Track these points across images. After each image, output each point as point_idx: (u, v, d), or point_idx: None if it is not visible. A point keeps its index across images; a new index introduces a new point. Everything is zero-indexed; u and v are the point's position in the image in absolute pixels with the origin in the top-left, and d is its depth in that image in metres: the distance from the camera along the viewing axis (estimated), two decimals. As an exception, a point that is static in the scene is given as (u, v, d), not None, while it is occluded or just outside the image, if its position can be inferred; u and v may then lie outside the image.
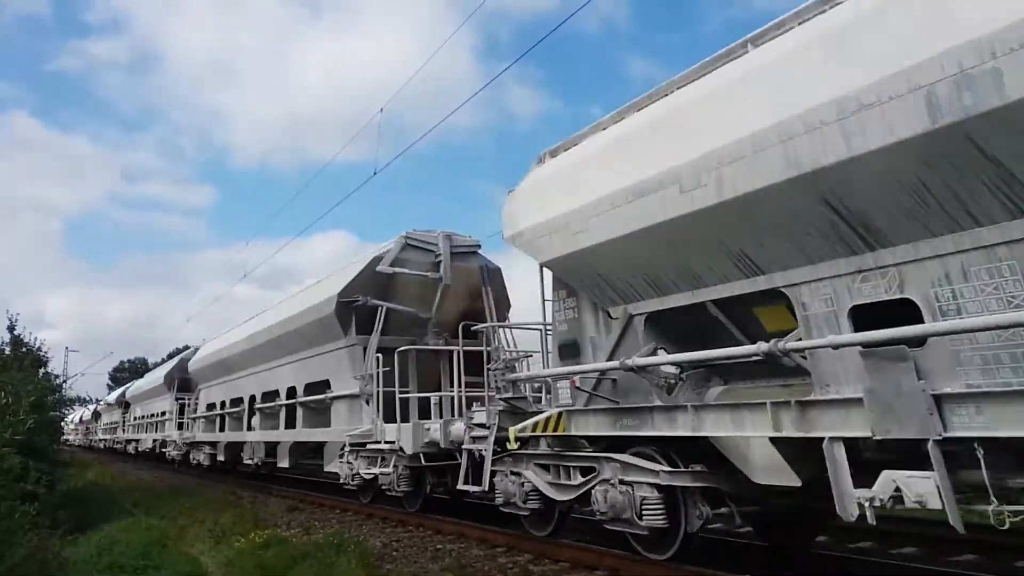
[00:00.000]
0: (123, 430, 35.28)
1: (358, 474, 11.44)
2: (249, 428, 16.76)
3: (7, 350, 17.33)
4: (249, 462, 16.63)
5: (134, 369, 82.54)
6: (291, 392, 14.22)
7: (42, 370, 17.61)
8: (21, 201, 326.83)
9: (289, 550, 8.03)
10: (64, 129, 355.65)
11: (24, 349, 17.56)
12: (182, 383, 23.74)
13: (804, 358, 5.24)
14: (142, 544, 9.12)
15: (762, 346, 5.26)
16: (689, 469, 6.20)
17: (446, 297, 11.59)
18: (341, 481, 12.08)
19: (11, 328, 17.82)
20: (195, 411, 21.90)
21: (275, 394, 15.02)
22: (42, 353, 18.38)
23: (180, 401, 23.36)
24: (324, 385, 12.68)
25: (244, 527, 9.97)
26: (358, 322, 11.56)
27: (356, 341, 11.56)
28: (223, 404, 18.75)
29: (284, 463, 14.57)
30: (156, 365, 43.71)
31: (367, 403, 11.19)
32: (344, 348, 11.88)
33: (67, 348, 58.82)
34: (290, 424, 14.32)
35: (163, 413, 25.63)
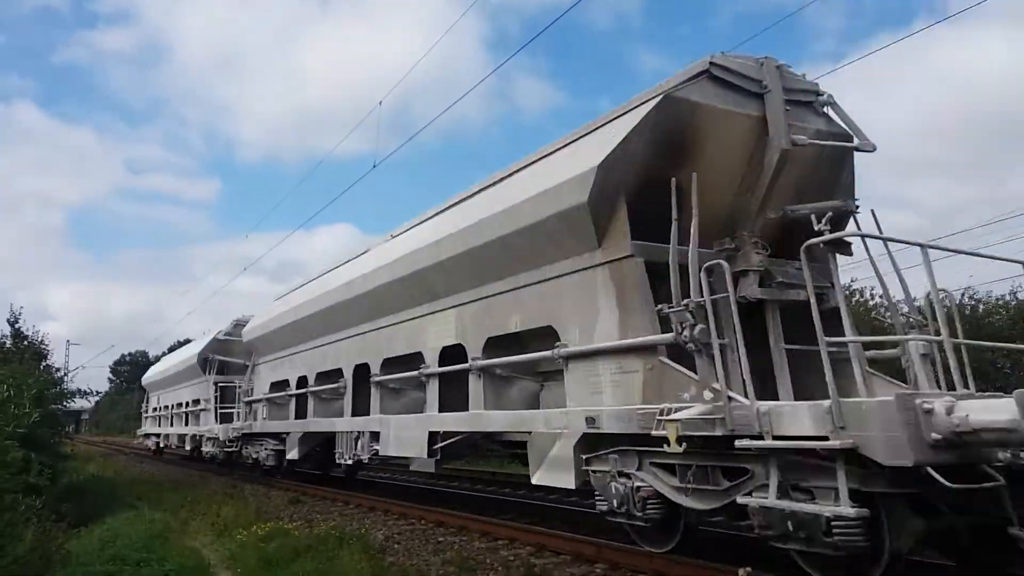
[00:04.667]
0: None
1: (214, 454, 19.87)
2: (172, 424, 26.59)
3: (8, 343, 17.35)
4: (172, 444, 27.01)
5: (135, 362, 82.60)
6: (186, 404, 23.67)
7: (43, 363, 17.65)
8: (24, 193, 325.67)
9: (291, 543, 8.03)
10: (70, 121, 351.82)
11: (25, 343, 17.56)
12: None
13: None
14: (145, 537, 9.04)
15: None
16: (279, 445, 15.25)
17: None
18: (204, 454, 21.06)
19: (12, 322, 17.83)
20: (151, 409, 31.32)
21: (182, 404, 24.33)
22: (43, 346, 18.40)
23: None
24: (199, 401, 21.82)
25: (246, 520, 9.96)
26: (211, 368, 20.98)
27: (209, 379, 20.77)
28: (165, 407, 27.91)
29: (188, 446, 23.65)
30: (157, 359, 44.86)
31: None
32: (206, 383, 20.88)
33: (68, 341, 58.94)
34: (186, 423, 23.85)
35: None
